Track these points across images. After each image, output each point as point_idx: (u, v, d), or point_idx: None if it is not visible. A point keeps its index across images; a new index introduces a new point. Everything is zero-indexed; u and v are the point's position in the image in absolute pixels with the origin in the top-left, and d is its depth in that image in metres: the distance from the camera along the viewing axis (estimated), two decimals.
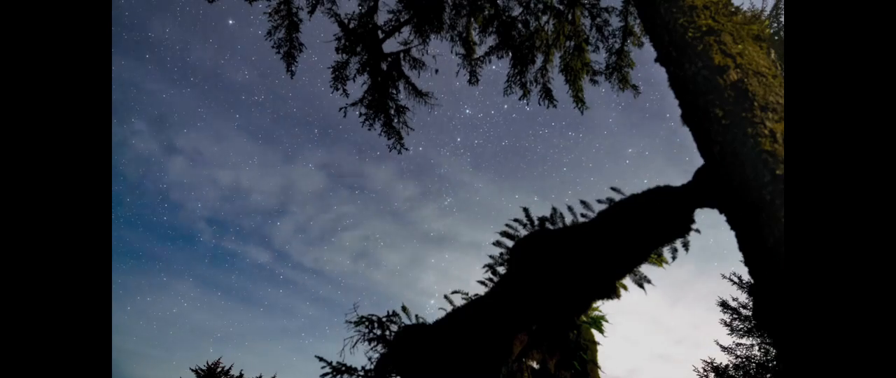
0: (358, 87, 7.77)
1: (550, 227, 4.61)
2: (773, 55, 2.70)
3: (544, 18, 6.64)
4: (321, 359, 4.46)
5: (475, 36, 6.81)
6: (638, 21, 6.52)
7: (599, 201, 4.17)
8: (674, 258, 4.35)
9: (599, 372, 4.35)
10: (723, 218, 2.32)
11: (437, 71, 6.54)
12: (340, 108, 6.40)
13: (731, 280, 13.63)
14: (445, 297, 4.77)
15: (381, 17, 6.29)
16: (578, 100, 7.08)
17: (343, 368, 4.39)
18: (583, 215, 4.44)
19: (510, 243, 4.77)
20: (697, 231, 3.74)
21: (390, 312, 4.56)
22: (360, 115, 6.55)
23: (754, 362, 12.78)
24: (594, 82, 7.02)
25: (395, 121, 6.65)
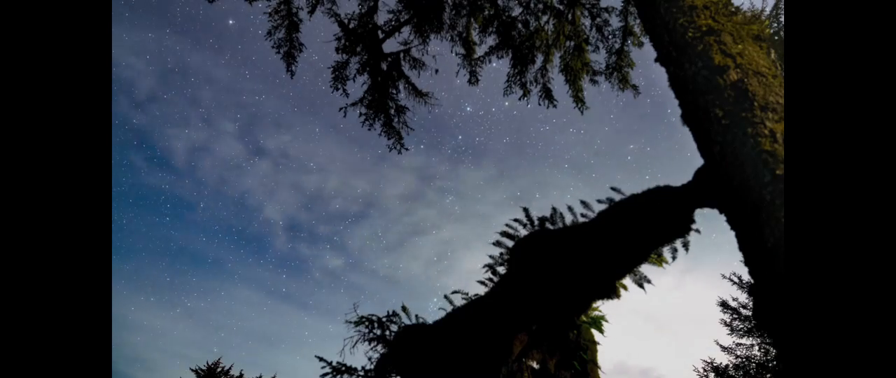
0: (358, 86, 7.78)
1: (550, 227, 4.61)
2: (773, 55, 2.70)
3: (544, 18, 6.64)
4: (321, 359, 4.46)
5: (475, 36, 6.81)
6: (638, 21, 6.52)
7: (599, 201, 4.18)
8: (674, 258, 4.36)
9: (599, 372, 4.35)
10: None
11: (437, 71, 6.55)
12: (340, 109, 6.41)
13: (731, 280, 13.63)
14: (445, 296, 4.77)
15: (381, 17, 6.30)
16: (578, 100, 7.08)
17: (343, 368, 4.38)
18: (583, 215, 4.44)
19: (510, 243, 4.77)
20: (697, 231, 3.74)
21: (390, 312, 4.56)
22: (361, 115, 6.55)
23: (754, 362, 12.78)
24: (594, 82, 7.03)
25: (395, 121, 6.65)
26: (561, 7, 6.56)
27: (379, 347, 4.34)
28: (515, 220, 4.81)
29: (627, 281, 4.44)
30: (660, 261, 4.38)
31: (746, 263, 1.98)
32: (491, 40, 6.77)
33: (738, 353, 13.13)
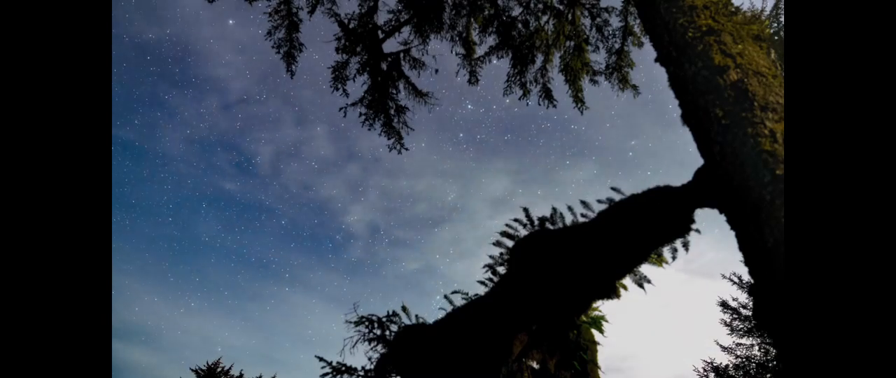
0: (358, 86, 7.78)
1: (550, 227, 4.61)
2: (773, 55, 2.70)
3: (544, 18, 6.64)
4: (321, 359, 4.46)
5: (475, 36, 6.81)
6: (638, 21, 6.52)
7: (599, 201, 4.18)
8: (674, 258, 4.36)
9: (599, 372, 4.35)
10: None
11: (437, 71, 6.55)
12: (340, 108, 6.41)
13: (731, 280, 13.63)
14: (445, 296, 4.78)
15: (381, 17, 6.30)
16: (578, 100, 7.08)
17: (343, 368, 4.38)
18: (583, 215, 4.44)
19: (510, 243, 4.77)
20: (697, 231, 3.74)
21: (390, 312, 4.56)
22: (361, 115, 6.55)
23: (754, 362, 12.78)
24: (594, 82, 7.03)
25: (395, 121, 6.65)
26: (561, 7, 6.56)
27: (379, 347, 4.34)
28: (515, 220, 4.81)
29: (627, 281, 4.44)
30: (660, 261, 4.38)
31: (746, 263, 1.98)
32: (491, 40, 6.78)
33: (738, 353, 13.14)
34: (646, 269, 4.49)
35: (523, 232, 4.74)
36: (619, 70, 6.89)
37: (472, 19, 6.67)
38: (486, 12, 6.56)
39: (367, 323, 4.45)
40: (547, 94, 7.10)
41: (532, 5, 6.52)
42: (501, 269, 4.85)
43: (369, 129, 6.63)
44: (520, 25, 6.65)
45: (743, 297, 13.49)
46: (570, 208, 4.57)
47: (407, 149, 6.75)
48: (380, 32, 6.28)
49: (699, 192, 3.26)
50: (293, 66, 6.30)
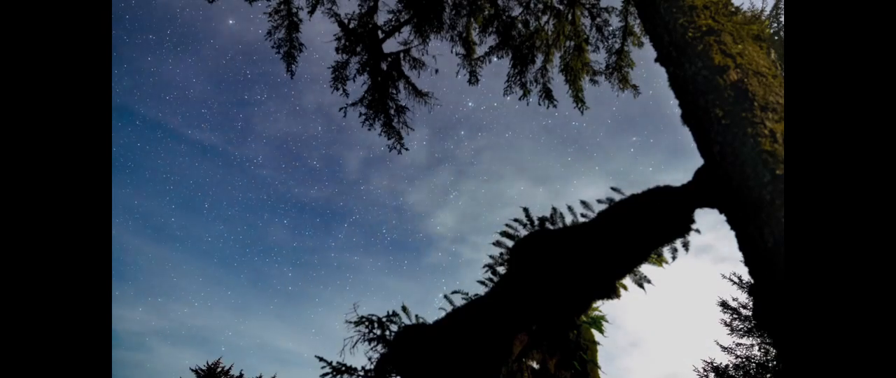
0: (358, 86, 7.78)
1: (550, 227, 4.61)
2: (773, 55, 2.70)
3: (544, 18, 6.64)
4: (321, 359, 4.45)
5: (475, 36, 6.81)
6: (638, 21, 6.52)
7: (599, 201, 4.18)
8: (674, 258, 4.36)
9: (599, 372, 4.35)
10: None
11: (437, 71, 6.55)
12: (340, 109, 6.41)
13: (731, 280, 13.63)
14: (445, 296, 4.78)
15: (381, 17, 6.30)
16: (578, 100, 7.08)
17: (343, 368, 4.38)
18: (583, 215, 4.44)
19: (510, 243, 4.77)
20: (697, 231, 3.74)
21: (390, 312, 4.56)
22: (361, 115, 6.55)
23: (754, 362, 12.78)
24: (594, 82, 7.03)
25: (395, 121, 6.65)
26: (561, 7, 6.56)
27: (379, 347, 4.34)
28: (515, 220, 4.81)
29: (627, 281, 4.44)
30: (660, 261, 4.38)
31: (746, 263, 1.98)
32: (491, 40, 6.78)
33: (738, 353, 13.14)
34: (646, 269, 4.50)
35: (523, 232, 4.74)
36: (619, 70, 6.89)
37: (472, 19, 6.67)
38: (486, 12, 6.56)
39: (366, 323, 4.45)
40: (547, 94, 7.10)
41: (532, 5, 6.52)
42: (501, 269, 4.85)
43: (369, 129, 6.64)
44: (520, 25, 6.65)
45: (743, 297, 13.50)
46: (570, 208, 4.57)
47: (406, 149, 6.75)
48: (380, 32, 6.28)
49: (699, 192, 3.26)
50: (293, 67, 6.30)
